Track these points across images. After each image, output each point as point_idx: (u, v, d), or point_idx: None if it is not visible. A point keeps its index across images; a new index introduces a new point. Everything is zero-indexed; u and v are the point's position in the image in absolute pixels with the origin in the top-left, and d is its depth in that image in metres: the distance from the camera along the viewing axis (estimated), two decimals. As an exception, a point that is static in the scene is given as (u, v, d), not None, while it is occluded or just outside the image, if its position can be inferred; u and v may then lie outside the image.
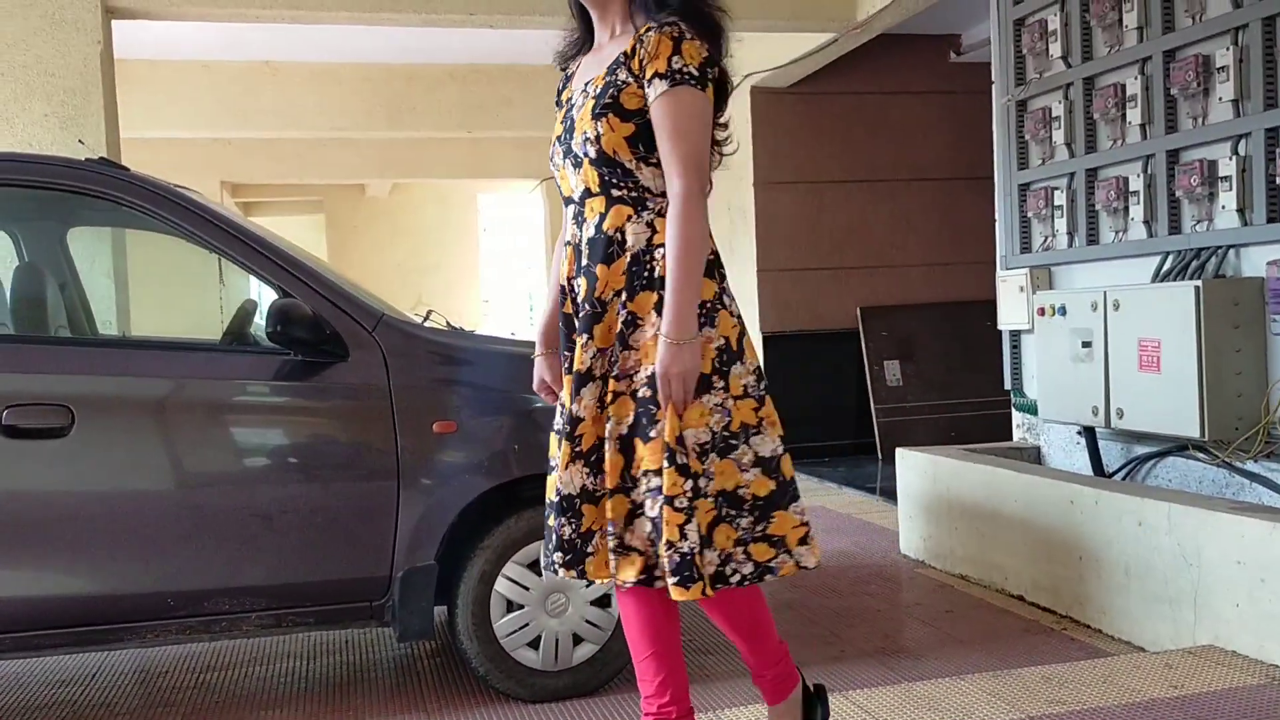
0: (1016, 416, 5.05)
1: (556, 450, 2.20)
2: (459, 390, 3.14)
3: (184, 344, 3.14)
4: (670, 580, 2.04)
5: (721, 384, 2.12)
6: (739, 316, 2.21)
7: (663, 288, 2.08)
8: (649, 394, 2.08)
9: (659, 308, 2.09)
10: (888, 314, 7.93)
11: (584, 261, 2.18)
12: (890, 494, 6.12)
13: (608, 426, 2.12)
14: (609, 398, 2.12)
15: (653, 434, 2.07)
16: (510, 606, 3.09)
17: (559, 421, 2.23)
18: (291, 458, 3.04)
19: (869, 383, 7.81)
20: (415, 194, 15.08)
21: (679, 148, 2.08)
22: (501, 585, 3.08)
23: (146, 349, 3.06)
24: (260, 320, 3.39)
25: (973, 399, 7.79)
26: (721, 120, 2.26)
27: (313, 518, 2.98)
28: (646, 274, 2.12)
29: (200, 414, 2.97)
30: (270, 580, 2.96)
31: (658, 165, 2.15)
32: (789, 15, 6.28)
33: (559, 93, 2.37)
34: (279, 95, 8.80)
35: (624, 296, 2.12)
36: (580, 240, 2.19)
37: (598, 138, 2.14)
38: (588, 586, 3.00)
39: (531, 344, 3.54)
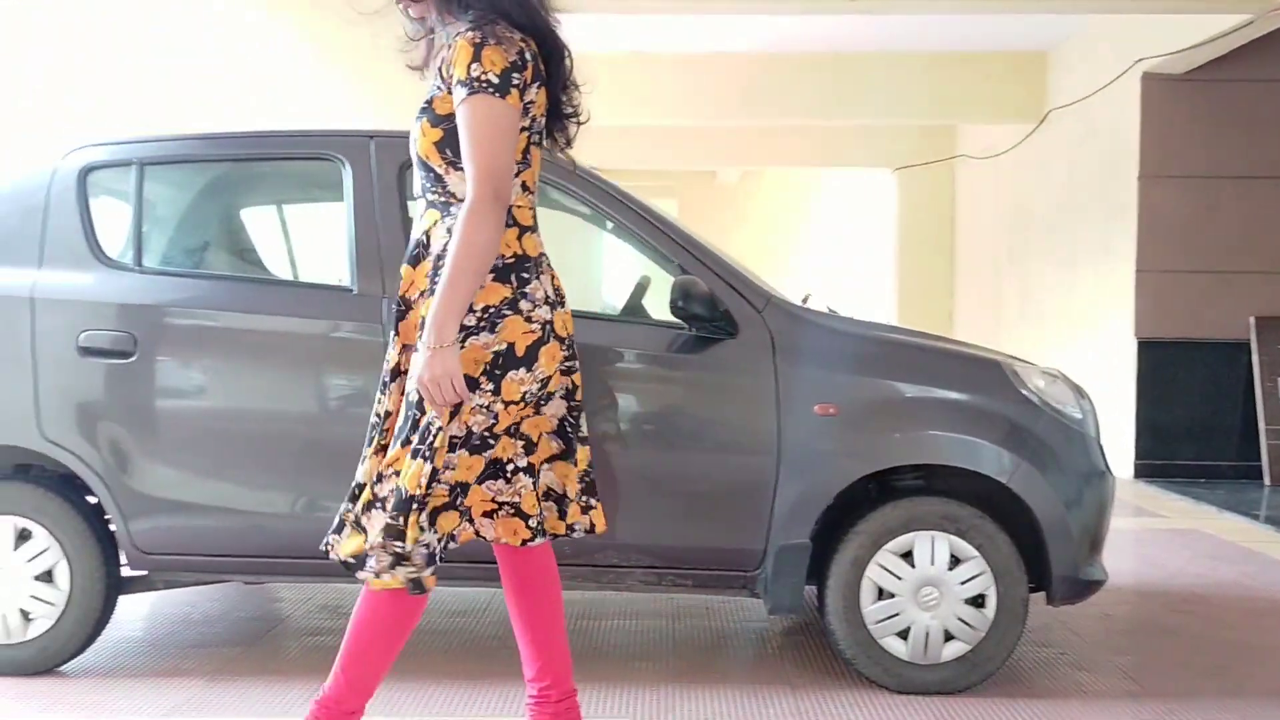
0: None
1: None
2: (841, 374, 3.15)
3: (592, 315, 3.35)
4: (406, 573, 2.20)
5: (490, 387, 2.17)
6: (546, 323, 2.24)
7: None
8: (416, 398, 2.17)
9: None
10: (1288, 326, 7.13)
11: (403, 260, 2.29)
12: (1282, 524, 5.53)
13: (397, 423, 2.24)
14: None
15: (413, 439, 2.16)
16: (881, 594, 3.08)
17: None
18: (679, 427, 3.18)
19: (1259, 400, 7.06)
20: (764, 181, 15.28)
21: (474, 156, 2.13)
22: (873, 572, 3.08)
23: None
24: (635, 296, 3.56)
25: (1387, 427, 6.86)
26: (571, 109, 2.34)
27: (695, 485, 3.12)
28: (438, 279, 2.17)
29: (602, 379, 3.18)
30: (655, 540, 3.12)
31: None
32: (1202, -5, 5.78)
33: None
34: (644, 84, 9.16)
35: (425, 300, 2.21)
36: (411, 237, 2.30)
37: (415, 141, 2.25)
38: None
39: (915, 331, 3.52)
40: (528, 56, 2.20)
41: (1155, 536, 5.48)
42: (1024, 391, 3.16)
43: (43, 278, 3.18)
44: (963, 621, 3.07)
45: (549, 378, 2.28)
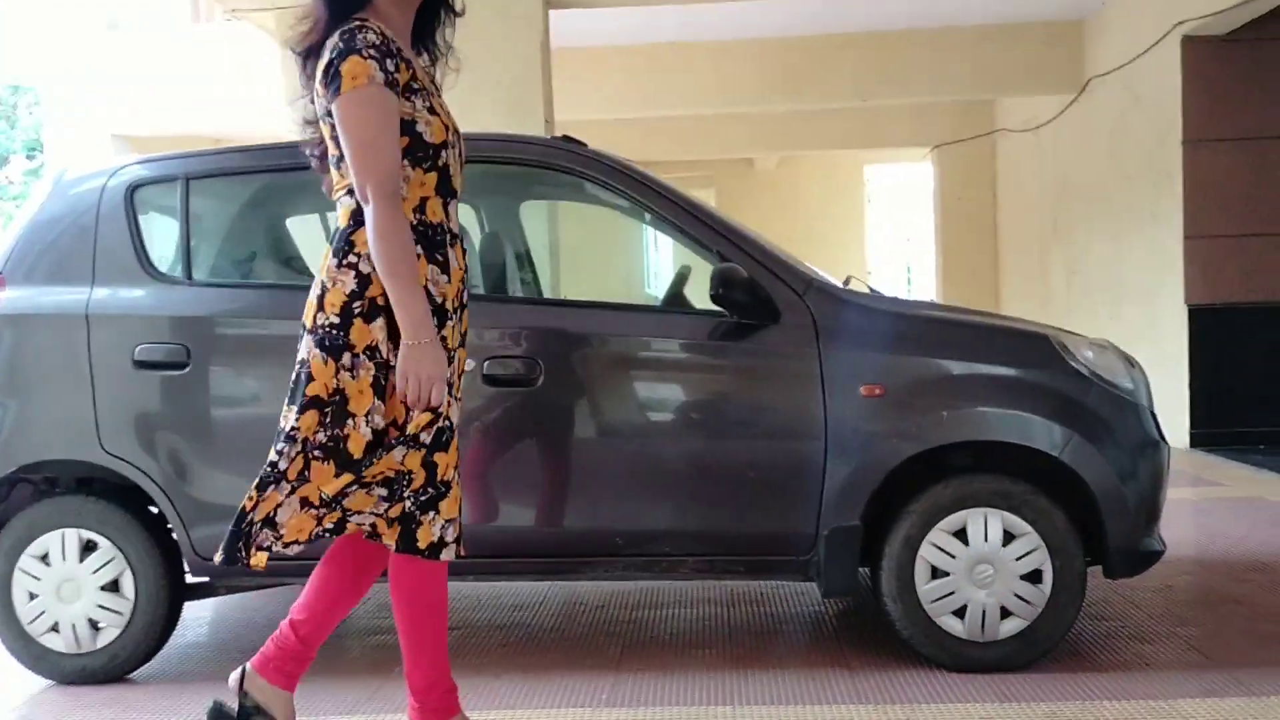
0: None
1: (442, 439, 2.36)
2: (887, 354, 3.13)
3: (635, 307, 3.37)
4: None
5: None
6: None
7: None
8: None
9: None
10: (1344, 287, 6.97)
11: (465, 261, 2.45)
12: (1348, 489, 5.42)
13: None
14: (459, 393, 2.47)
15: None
16: (935, 573, 3.07)
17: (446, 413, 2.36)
18: (726, 415, 3.18)
19: (1318, 364, 6.91)
20: (802, 167, 15.18)
21: None
22: (926, 551, 3.06)
23: (604, 310, 3.30)
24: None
25: None
26: None
27: (744, 472, 3.13)
28: None
29: (649, 370, 3.20)
30: (706, 528, 3.14)
31: None
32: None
33: (410, 64, 2.36)
34: (683, 75, 9.15)
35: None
36: (464, 239, 2.46)
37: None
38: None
39: (960, 308, 3.50)
40: None
41: (1215, 506, 5.40)
42: (1073, 364, 3.12)
43: (96, 295, 3.25)
44: (1019, 598, 3.04)
45: None
